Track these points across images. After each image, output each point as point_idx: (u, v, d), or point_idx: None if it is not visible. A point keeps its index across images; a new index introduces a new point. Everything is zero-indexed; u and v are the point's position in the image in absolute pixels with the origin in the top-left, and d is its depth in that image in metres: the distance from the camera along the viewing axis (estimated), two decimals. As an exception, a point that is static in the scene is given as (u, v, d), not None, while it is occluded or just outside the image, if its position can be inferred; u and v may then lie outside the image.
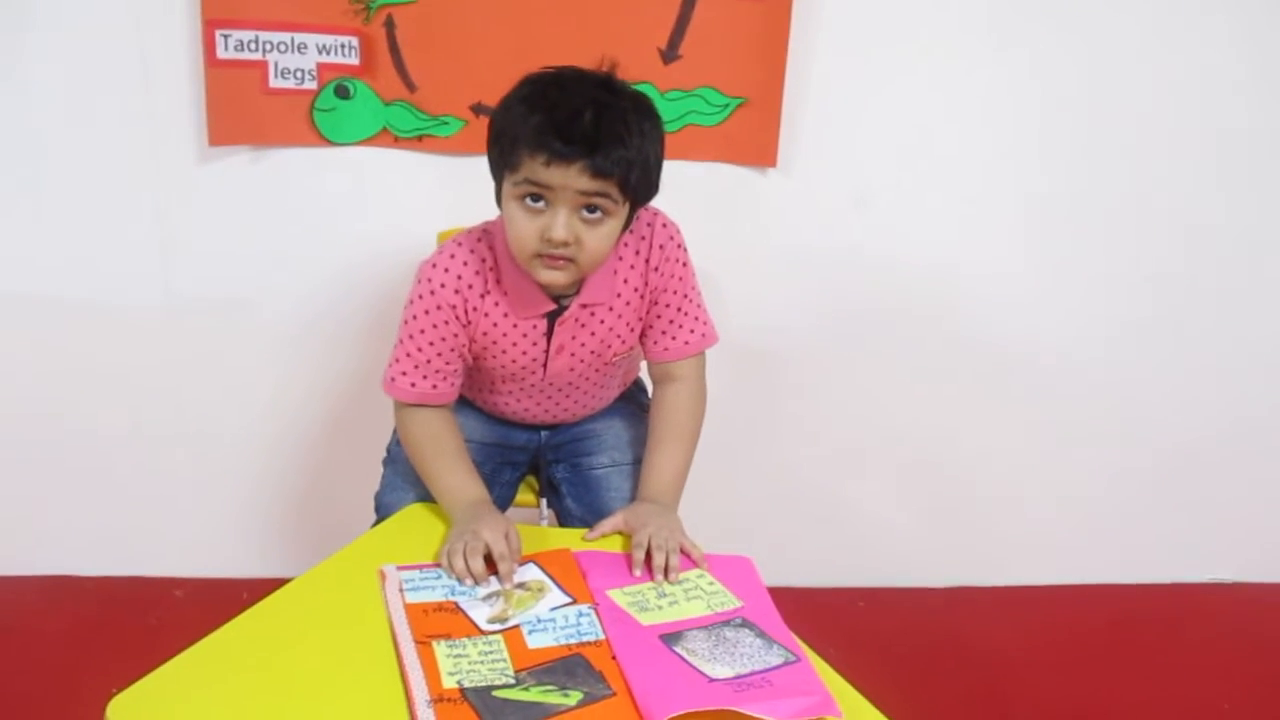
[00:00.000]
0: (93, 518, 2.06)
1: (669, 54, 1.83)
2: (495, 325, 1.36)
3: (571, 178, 1.20)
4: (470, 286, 1.34)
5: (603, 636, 1.10)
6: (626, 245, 1.37)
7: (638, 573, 1.22)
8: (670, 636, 1.10)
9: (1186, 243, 2.10)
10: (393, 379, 1.38)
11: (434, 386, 1.37)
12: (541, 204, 1.23)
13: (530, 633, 1.10)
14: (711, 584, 1.21)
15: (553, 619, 1.12)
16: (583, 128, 1.19)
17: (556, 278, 1.28)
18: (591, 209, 1.23)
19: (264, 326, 1.97)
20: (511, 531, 1.23)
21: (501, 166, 1.26)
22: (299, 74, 1.79)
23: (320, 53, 1.78)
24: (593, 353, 1.41)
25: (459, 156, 1.85)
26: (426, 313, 1.34)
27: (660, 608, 1.16)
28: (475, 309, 1.35)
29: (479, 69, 1.80)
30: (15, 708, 1.74)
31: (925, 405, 2.15)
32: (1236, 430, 2.24)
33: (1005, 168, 2.01)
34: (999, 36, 1.91)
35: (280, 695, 1.01)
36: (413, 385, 1.37)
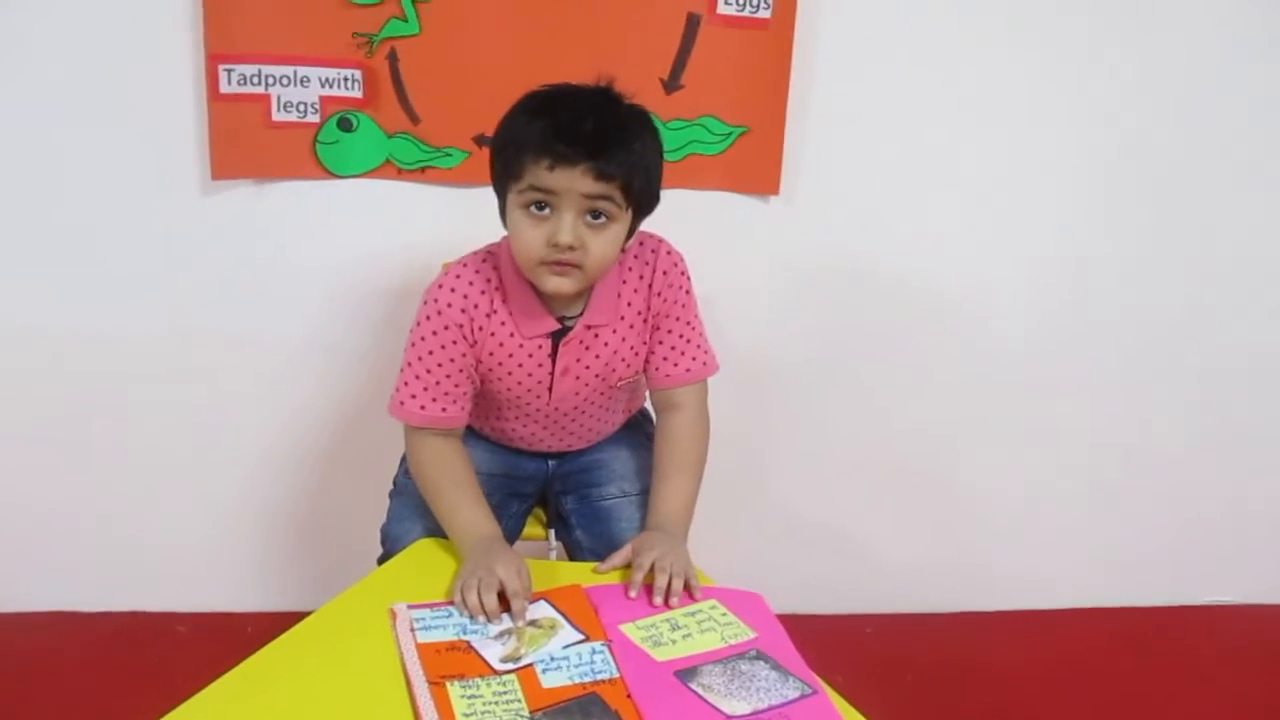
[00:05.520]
0: (94, 552, 2.05)
1: (671, 84, 1.84)
2: (501, 345, 1.36)
3: (575, 180, 1.22)
4: (476, 306, 1.34)
5: (617, 674, 1.09)
6: (630, 269, 1.38)
7: (634, 594, 1.22)
8: (685, 673, 1.09)
9: (1207, 267, 2.10)
10: (401, 402, 1.37)
11: (443, 409, 1.37)
12: (546, 211, 1.25)
13: (544, 671, 1.09)
14: (724, 615, 1.21)
15: (566, 657, 1.12)
16: (585, 131, 1.22)
17: (563, 285, 1.28)
18: (595, 214, 1.25)
19: (267, 358, 1.97)
20: (524, 568, 1.22)
21: (505, 177, 1.27)
22: (302, 107, 1.79)
23: (323, 86, 1.78)
24: (597, 375, 1.41)
25: (462, 188, 1.85)
26: (434, 333, 1.34)
27: (674, 642, 1.15)
28: (481, 328, 1.35)
29: (482, 101, 1.78)
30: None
31: (930, 430, 2.15)
32: (1243, 456, 2.24)
33: (1009, 193, 2.01)
34: (1000, 62, 1.92)
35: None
36: (422, 408, 1.36)
